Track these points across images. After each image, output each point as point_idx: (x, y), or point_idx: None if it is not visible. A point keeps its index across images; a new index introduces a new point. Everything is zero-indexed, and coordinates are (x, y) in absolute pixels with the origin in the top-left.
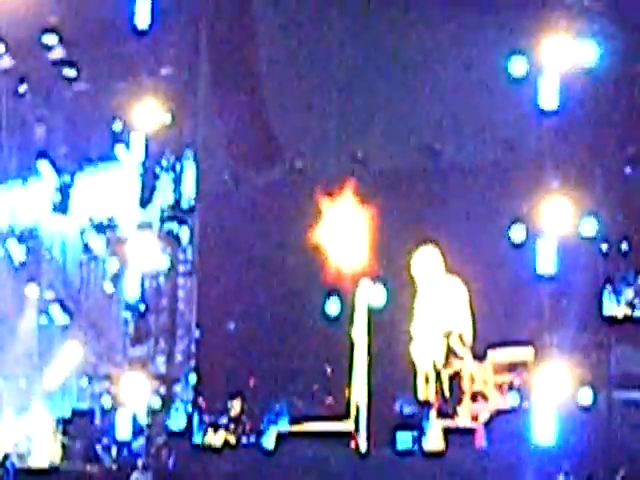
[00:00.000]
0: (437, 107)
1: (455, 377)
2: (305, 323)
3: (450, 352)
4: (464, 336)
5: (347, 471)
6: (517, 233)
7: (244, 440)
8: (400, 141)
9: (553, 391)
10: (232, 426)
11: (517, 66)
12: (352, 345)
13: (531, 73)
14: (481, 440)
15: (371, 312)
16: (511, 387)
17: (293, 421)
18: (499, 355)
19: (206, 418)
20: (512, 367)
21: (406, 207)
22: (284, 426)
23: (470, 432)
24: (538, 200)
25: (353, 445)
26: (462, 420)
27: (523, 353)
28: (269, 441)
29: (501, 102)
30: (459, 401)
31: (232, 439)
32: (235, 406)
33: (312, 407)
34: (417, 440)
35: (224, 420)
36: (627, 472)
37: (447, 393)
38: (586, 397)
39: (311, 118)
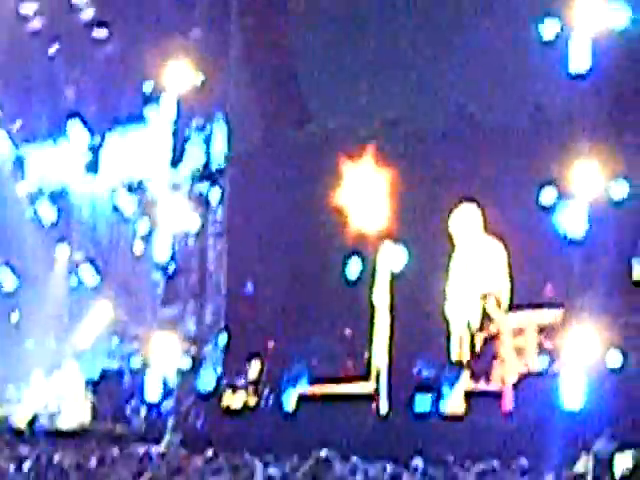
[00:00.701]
0: (469, 70)
1: (489, 340)
2: (327, 284)
3: (485, 315)
4: (501, 299)
5: (368, 432)
6: (548, 196)
7: (265, 402)
8: (432, 104)
9: (582, 354)
10: (252, 387)
11: (548, 29)
12: (373, 308)
13: (562, 36)
14: (509, 403)
15: (394, 275)
16: (541, 350)
17: (313, 383)
18: (524, 318)
19: (227, 379)
20: (541, 330)
21: (434, 169)
22: (303, 388)
23: (495, 395)
24: (569, 163)
25: (374, 407)
26: (493, 383)
27: (552, 315)
28: (289, 402)
29: (532, 65)
30: (491, 363)
31: (252, 401)
32: (254, 367)
33: (331, 369)
34: (435, 403)
35: (242, 381)
36: None
37: (480, 355)
38: (615, 360)
39: (343, 79)
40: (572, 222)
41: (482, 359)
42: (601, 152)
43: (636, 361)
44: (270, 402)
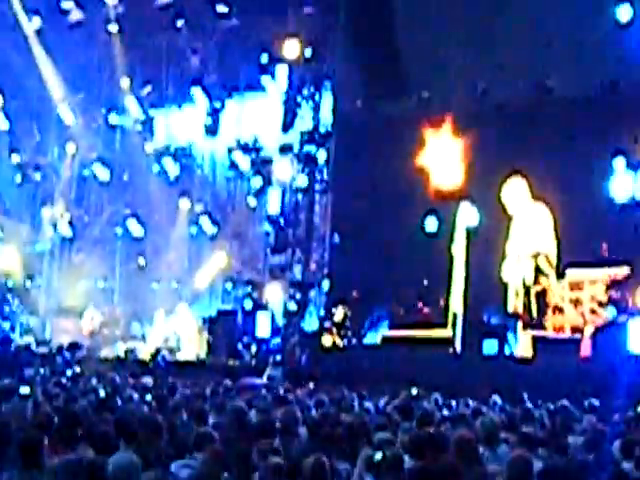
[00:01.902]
0: (550, 50)
1: (542, 293)
2: (405, 238)
3: (538, 271)
4: (550, 257)
5: (444, 369)
6: (619, 164)
7: (348, 342)
8: (514, 79)
9: None
10: (341, 331)
11: (623, 13)
12: (451, 260)
13: (636, 19)
14: (586, 349)
15: (469, 231)
16: (609, 302)
17: (392, 327)
18: (579, 274)
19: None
20: (610, 284)
21: (517, 135)
22: (385, 331)
23: (563, 341)
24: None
25: (451, 349)
26: (548, 331)
27: (618, 271)
28: (374, 342)
29: (608, 45)
30: (544, 314)
31: (339, 342)
32: (339, 313)
33: (410, 316)
34: (501, 347)
35: (331, 323)
36: None
37: (534, 307)
38: None
39: (435, 60)
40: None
41: (535, 310)
42: None
43: None
44: (354, 343)
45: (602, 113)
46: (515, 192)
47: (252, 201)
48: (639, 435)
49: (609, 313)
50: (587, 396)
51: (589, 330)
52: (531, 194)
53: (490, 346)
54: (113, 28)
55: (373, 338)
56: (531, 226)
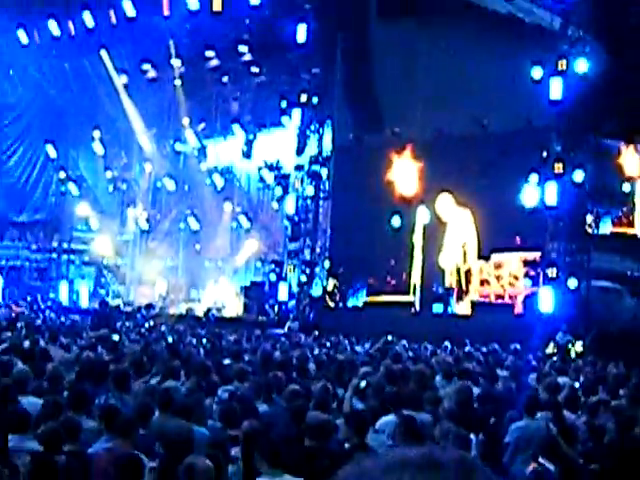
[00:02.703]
0: (484, 97)
1: (468, 271)
2: (379, 231)
3: (465, 256)
4: (472, 246)
5: (408, 324)
6: (532, 179)
7: (336, 305)
8: (460, 118)
9: (553, 278)
10: (332, 297)
11: (536, 73)
12: (412, 247)
13: (544, 77)
14: (519, 309)
15: (424, 227)
16: (525, 276)
17: (369, 294)
18: (500, 257)
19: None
20: (524, 264)
21: (459, 160)
22: (363, 298)
23: (495, 304)
24: (546, 159)
25: (412, 310)
26: (472, 297)
27: (534, 255)
28: (357, 305)
29: (526, 95)
30: (470, 285)
31: (332, 304)
32: (331, 283)
33: (382, 286)
34: (445, 308)
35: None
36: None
37: (463, 281)
38: (573, 284)
39: (405, 103)
40: (549, 197)
41: (464, 284)
42: (568, 151)
43: (584, 286)
44: (341, 305)
45: (521, 143)
46: (443, 203)
47: (275, 205)
48: (546, 368)
49: (525, 284)
50: (512, 342)
51: (521, 296)
52: (458, 203)
53: (438, 307)
54: (178, 82)
55: (355, 302)
56: (459, 225)
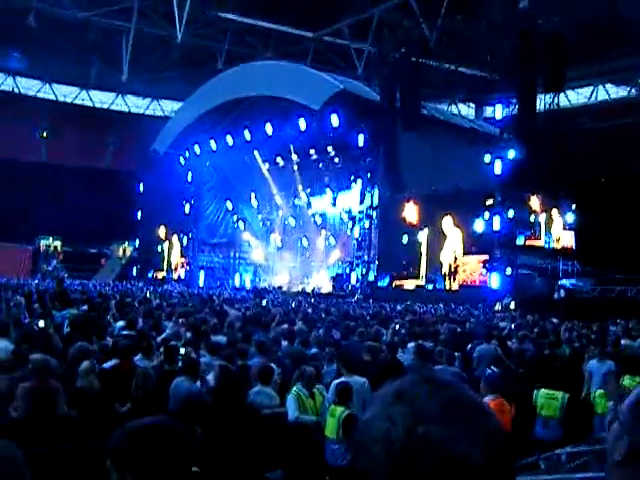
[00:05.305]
0: (458, 173)
1: (456, 267)
2: (397, 245)
3: (454, 256)
4: (459, 251)
5: (416, 295)
6: (486, 215)
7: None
8: (443, 182)
9: (498, 269)
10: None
11: (487, 157)
12: (419, 253)
13: (492, 160)
14: (481, 286)
15: (428, 240)
16: (482, 268)
17: (391, 280)
18: (469, 258)
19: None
20: (482, 262)
21: (444, 207)
22: (386, 281)
23: (468, 285)
24: (492, 204)
25: (422, 288)
26: (459, 281)
27: (485, 257)
28: (384, 285)
29: (482, 172)
30: (456, 275)
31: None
32: (370, 275)
33: (400, 274)
34: (434, 287)
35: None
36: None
37: (453, 272)
38: (509, 272)
39: (414, 176)
40: (495, 225)
41: (453, 273)
42: (504, 200)
43: (514, 273)
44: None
45: (480, 196)
46: (446, 222)
47: (348, 232)
48: (496, 317)
49: (482, 272)
50: (477, 303)
51: (481, 278)
52: (454, 224)
53: (429, 286)
54: (295, 167)
55: (383, 283)
56: (452, 238)
